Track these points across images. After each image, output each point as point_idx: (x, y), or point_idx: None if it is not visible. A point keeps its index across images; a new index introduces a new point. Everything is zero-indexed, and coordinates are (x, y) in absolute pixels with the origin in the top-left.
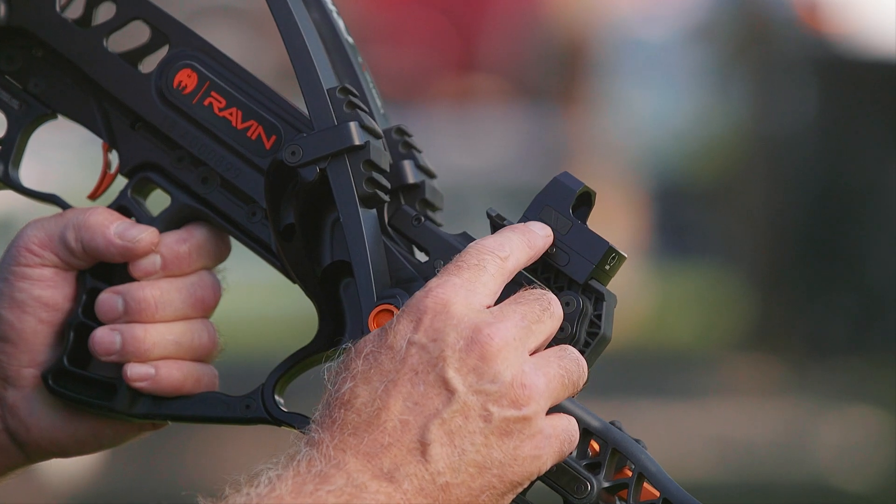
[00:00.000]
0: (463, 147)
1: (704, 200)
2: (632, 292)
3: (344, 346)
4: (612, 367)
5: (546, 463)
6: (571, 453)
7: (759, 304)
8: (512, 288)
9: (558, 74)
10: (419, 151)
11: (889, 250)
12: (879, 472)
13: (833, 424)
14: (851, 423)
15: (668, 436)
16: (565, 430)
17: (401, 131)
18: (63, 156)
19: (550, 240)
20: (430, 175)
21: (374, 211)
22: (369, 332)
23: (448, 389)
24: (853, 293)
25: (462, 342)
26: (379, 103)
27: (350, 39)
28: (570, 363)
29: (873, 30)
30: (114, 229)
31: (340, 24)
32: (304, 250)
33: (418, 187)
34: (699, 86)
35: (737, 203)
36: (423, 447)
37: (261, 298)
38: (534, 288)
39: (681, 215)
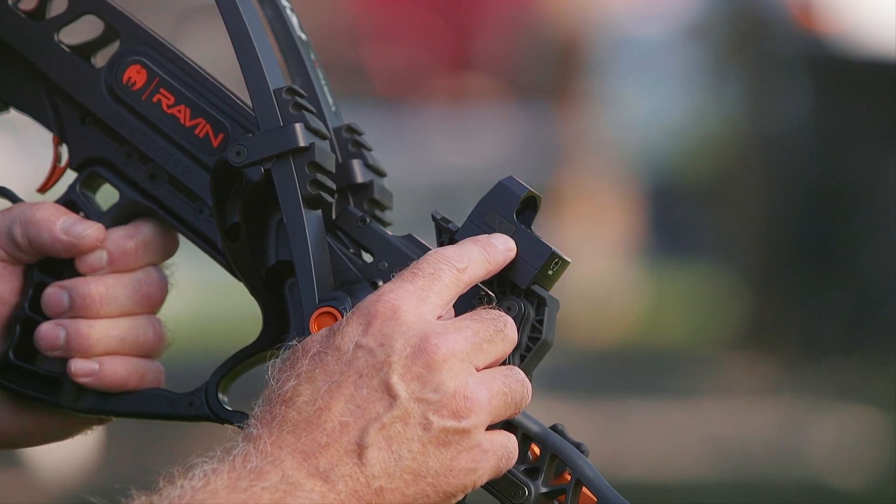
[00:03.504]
0: (457, 146)
1: (698, 199)
2: (625, 291)
3: (290, 344)
4: (605, 366)
5: (481, 477)
6: None
7: (753, 303)
8: (466, 299)
9: (552, 73)
10: (369, 150)
11: (883, 249)
12: (874, 471)
13: (827, 424)
14: (845, 423)
15: (662, 435)
16: (504, 447)
17: (351, 129)
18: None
19: (512, 254)
20: (381, 174)
21: (319, 212)
22: (310, 333)
23: (391, 395)
24: (847, 292)
25: (409, 349)
26: (331, 100)
27: (303, 36)
28: (515, 383)
29: (867, 29)
30: (60, 225)
31: (294, 20)
32: (249, 250)
33: (367, 187)
34: (693, 84)
35: (731, 202)
36: (360, 450)
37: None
38: (493, 307)
39: (675, 214)
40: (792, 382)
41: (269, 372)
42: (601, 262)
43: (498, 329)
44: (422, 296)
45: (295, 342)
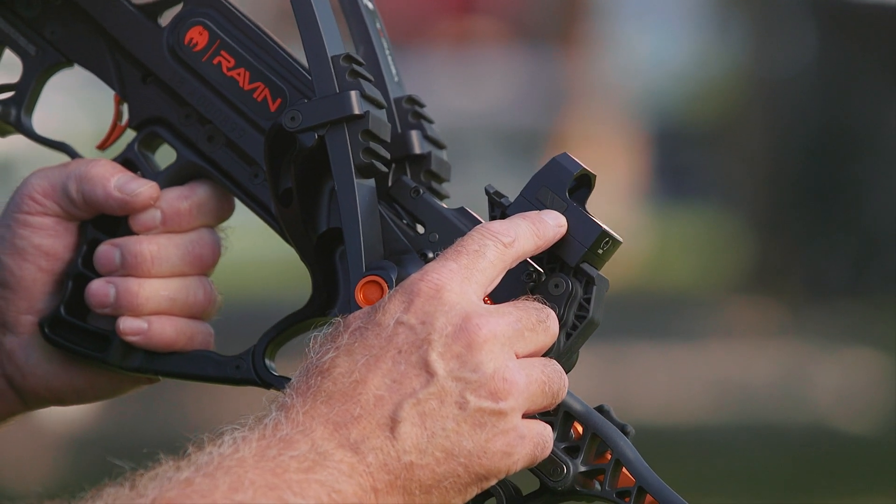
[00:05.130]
0: (462, 90)
1: (703, 142)
2: (631, 235)
3: (333, 320)
4: (611, 309)
5: (517, 463)
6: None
7: (757, 247)
8: (515, 274)
9: (557, 16)
10: (430, 122)
11: (887, 192)
12: (878, 413)
13: (832, 366)
14: (850, 365)
15: (667, 378)
16: (540, 435)
17: (412, 100)
18: (67, 100)
19: (563, 230)
20: (440, 146)
21: (372, 181)
22: (356, 301)
23: (428, 372)
24: (852, 235)
25: (450, 328)
26: (394, 71)
27: (370, 5)
28: (553, 373)
29: None
30: (114, 182)
31: None
32: (301, 216)
33: (424, 158)
34: (698, 27)
35: (736, 145)
36: (393, 424)
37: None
38: (537, 300)
39: (680, 157)
40: (796, 325)
41: (310, 345)
42: (606, 206)
43: (541, 320)
44: (466, 274)
45: (338, 318)
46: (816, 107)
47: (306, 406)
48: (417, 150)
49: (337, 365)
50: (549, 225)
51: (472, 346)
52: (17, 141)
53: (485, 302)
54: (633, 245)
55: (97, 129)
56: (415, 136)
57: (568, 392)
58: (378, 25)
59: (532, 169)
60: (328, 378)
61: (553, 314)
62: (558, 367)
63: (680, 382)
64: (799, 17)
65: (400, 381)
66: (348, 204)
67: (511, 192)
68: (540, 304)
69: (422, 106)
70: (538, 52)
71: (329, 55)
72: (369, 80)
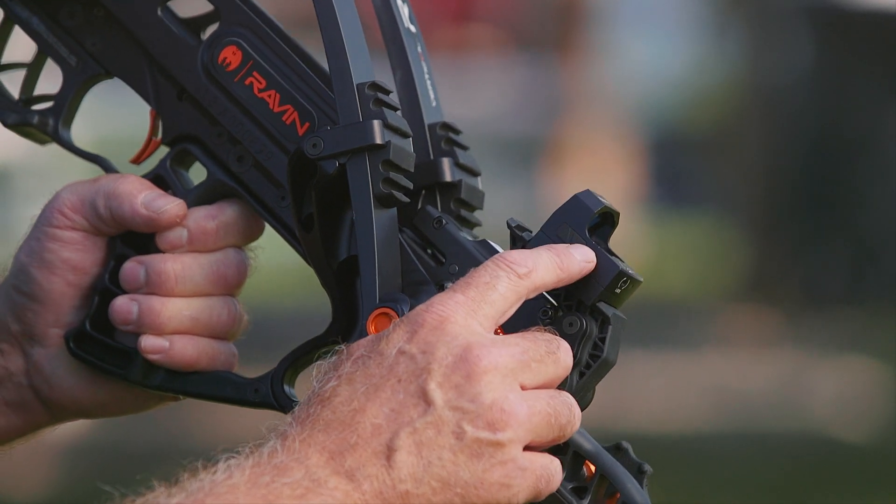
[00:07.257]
0: (459, 98)
1: (700, 150)
2: (627, 242)
3: (338, 348)
4: None
5: (517, 495)
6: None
7: (754, 254)
8: (531, 310)
9: (555, 24)
10: (465, 149)
11: (884, 199)
12: (875, 422)
13: (829, 374)
14: (847, 373)
15: (664, 386)
16: (544, 468)
17: (447, 127)
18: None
19: (590, 266)
20: (473, 173)
21: (393, 210)
22: (367, 332)
23: (426, 401)
24: (849, 243)
25: (450, 358)
26: (432, 95)
27: (412, 28)
28: (561, 406)
29: None
30: (141, 199)
31: (405, 11)
32: (322, 242)
33: (454, 186)
34: (696, 35)
35: (733, 153)
36: (389, 452)
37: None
38: (550, 331)
39: (677, 165)
40: (793, 333)
41: (314, 373)
42: None
43: (550, 351)
44: (472, 307)
45: (342, 346)
46: (813, 114)
47: (304, 434)
48: (447, 177)
49: (338, 394)
50: (574, 259)
51: (471, 376)
52: (14, 150)
53: (497, 333)
54: (630, 253)
55: (95, 138)
56: (446, 163)
57: (580, 432)
58: (419, 49)
59: (529, 177)
60: (328, 406)
61: (566, 345)
62: (569, 399)
63: (677, 390)
64: (795, 25)
65: (398, 410)
66: (365, 234)
67: (507, 201)
68: (551, 336)
69: (457, 132)
70: (535, 59)
71: (354, 83)
72: (395, 109)
